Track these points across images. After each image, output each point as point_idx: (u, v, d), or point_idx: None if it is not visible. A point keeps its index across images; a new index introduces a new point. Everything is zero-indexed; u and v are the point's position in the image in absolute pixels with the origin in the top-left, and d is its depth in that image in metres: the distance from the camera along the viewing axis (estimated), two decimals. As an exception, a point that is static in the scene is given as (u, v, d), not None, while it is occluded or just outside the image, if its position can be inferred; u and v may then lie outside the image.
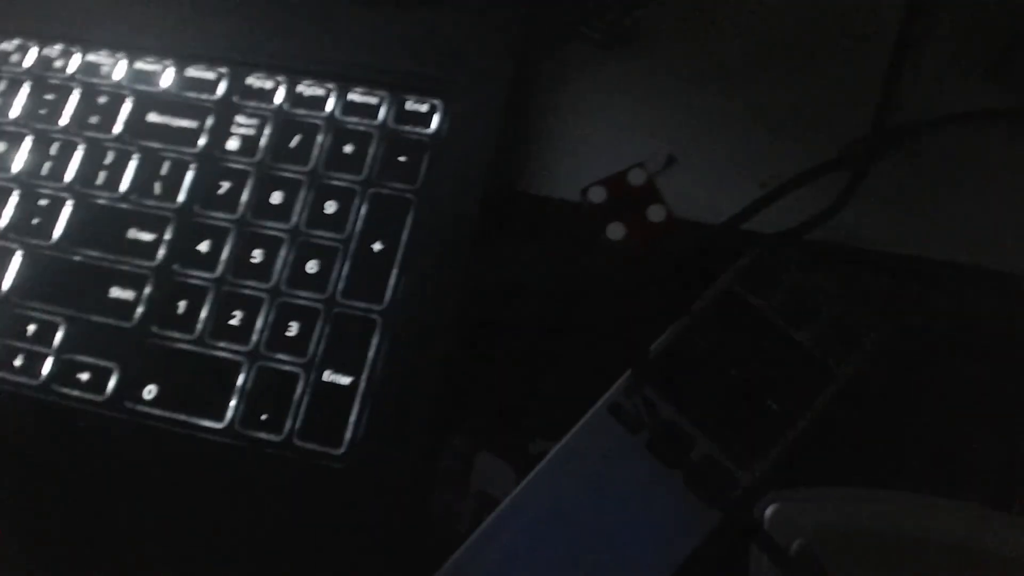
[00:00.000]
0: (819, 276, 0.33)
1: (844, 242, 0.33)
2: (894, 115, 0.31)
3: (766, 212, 0.32)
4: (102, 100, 0.37)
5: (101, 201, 0.35)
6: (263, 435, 0.31)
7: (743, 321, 0.31)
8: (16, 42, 0.39)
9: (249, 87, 0.37)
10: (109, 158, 0.36)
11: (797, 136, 0.35)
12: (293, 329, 0.33)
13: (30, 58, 0.38)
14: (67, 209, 0.35)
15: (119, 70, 0.38)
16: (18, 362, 0.33)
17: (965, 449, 0.31)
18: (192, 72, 0.37)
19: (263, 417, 0.32)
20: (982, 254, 0.33)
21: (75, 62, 0.38)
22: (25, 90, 0.38)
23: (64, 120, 0.37)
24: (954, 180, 0.34)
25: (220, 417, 0.32)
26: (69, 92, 0.37)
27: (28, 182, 0.36)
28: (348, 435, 0.31)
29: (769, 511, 0.28)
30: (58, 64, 0.38)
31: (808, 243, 0.33)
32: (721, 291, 0.31)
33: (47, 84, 0.38)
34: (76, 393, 0.33)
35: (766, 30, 0.37)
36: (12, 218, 0.36)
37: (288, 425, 0.31)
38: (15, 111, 0.37)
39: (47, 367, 0.33)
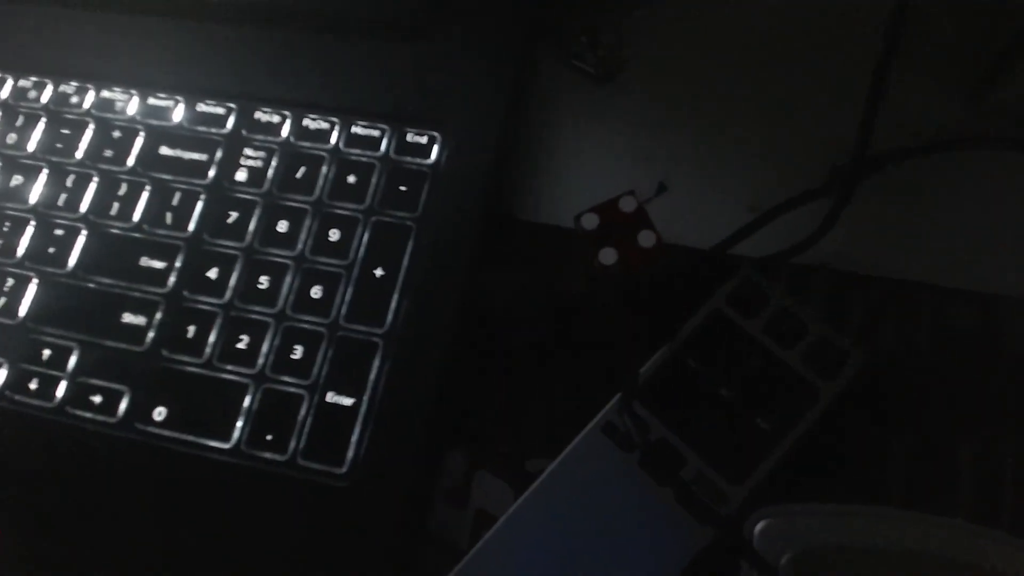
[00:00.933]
0: (804, 298, 0.34)
1: (829, 265, 0.34)
2: (880, 136, 0.32)
3: (752, 236, 0.33)
4: (116, 134, 0.38)
5: (114, 231, 0.37)
6: (268, 455, 0.32)
7: (731, 342, 0.31)
8: (33, 79, 0.40)
9: (257, 121, 0.38)
10: (122, 190, 0.37)
11: (785, 161, 0.36)
12: (298, 352, 0.33)
13: (47, 94, 0.40)
14: (81, 238, 0.36)
15: (132, 106, 0.39)
16: (33, 385, 0.34)
17: (950, 464, 0.31)
18: (202, 107, 0.38)
19: (268, 437, 0.32)
20: (962, 275, 0.34)
21: (90, 98, 0.39)
22: (42, 125, 0.39)
23: (79, 153, 0.38)
24: (936, 204, 0.35)
25: (227, 438, 0.32)
26: (84, 127, 0.39)
27: (44, 213, 0.37)
28: (350, 454, 0.32)
29: (759, 527, 0.28)
30: (74, 100, 0.39)
31: (794, 266, 0.34)
32: (710, 313, 0.32)
33: (63, 119, 0.39)
34: (89, 415, 0.33)
35: (755, 58, 0.38)
36: (29, 247, 0.37)
37: (292, 445, 0.32)
38: (32, 145, 0.39)
39: (61, 390, 0.34)
